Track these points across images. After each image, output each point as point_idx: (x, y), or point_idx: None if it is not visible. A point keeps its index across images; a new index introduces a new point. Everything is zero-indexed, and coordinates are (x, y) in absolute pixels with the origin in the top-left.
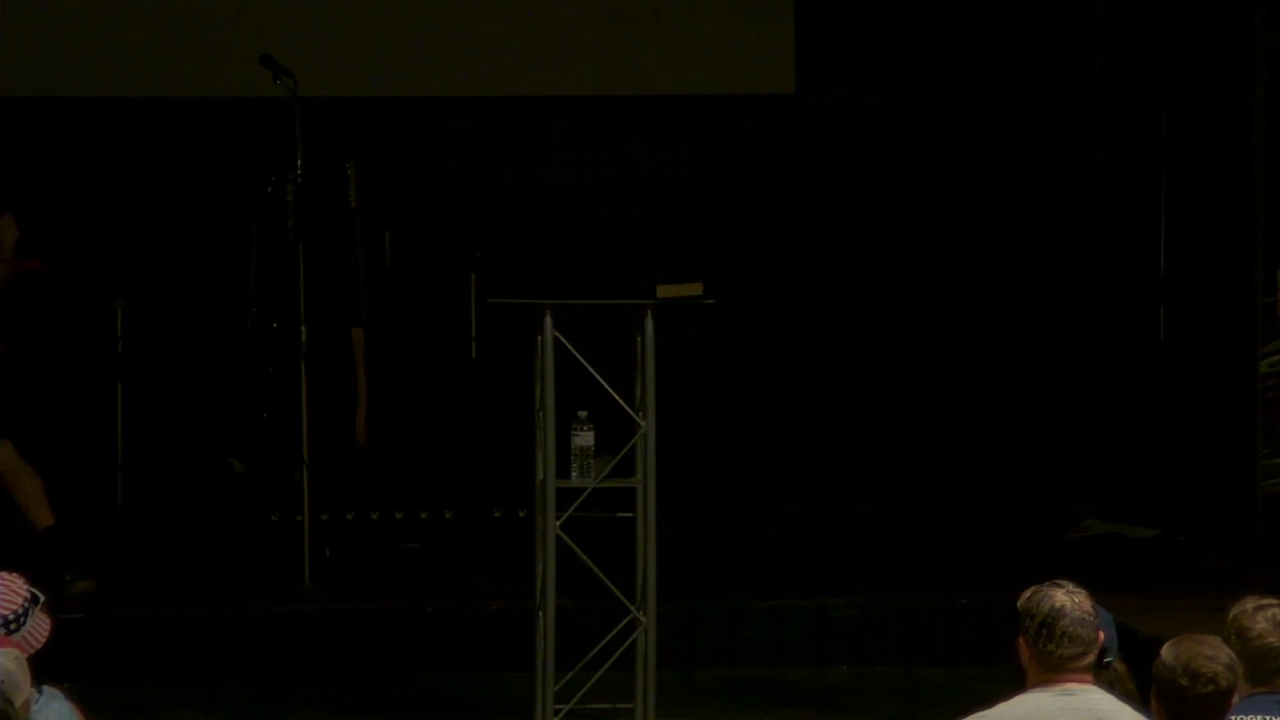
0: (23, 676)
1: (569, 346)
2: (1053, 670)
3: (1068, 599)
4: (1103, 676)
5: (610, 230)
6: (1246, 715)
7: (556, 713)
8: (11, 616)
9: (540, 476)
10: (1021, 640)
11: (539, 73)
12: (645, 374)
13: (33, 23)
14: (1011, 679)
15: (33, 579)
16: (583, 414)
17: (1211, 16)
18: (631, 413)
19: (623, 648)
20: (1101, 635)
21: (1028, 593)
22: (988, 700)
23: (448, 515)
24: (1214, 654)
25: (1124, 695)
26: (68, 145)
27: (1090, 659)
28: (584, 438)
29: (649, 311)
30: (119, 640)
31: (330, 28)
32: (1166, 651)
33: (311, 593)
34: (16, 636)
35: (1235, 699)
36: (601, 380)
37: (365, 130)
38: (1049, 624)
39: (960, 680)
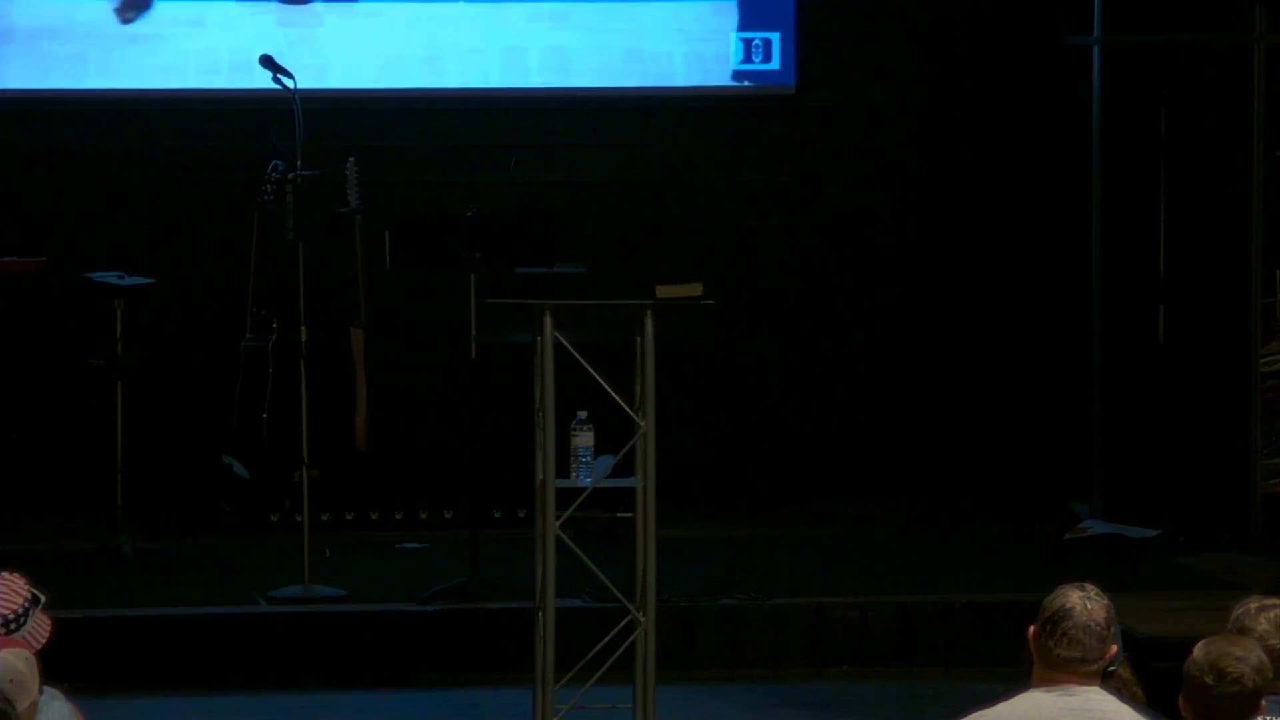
0: (31, 677)
1: (569, 347)
2: (1054, 669)
3: (1080, 603)
4: (1109, 683)
5: (610, 230)
6: None
7: (556, 713)
8: (12, 616)
9: (540, 476)
10: (1031, 629)
11: (539, 71)
12: (645, 374)
13: (33, 21)
14: (1012, 677)
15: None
16: (583, 414)
17: (1211, 16)
18: (631, 413)
19: (622, 648)
20: (1113, 648)
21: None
22: (988, 700)
23: (448, 515)
24: (1243, 655)
25: (1131, 701)
26: (67, 144)
27: (1094, 667)
28: (584, 438)
29: (649, 311)
30: (119, 640)
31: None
32: (1198, 650)
33: (311, 593)
34: (17, 636)
35: (1265, 703)
36: (601, 380)
37: (365, 130)
38: (1054, 621)
39: (960, 680)
